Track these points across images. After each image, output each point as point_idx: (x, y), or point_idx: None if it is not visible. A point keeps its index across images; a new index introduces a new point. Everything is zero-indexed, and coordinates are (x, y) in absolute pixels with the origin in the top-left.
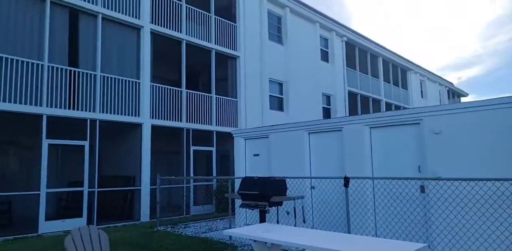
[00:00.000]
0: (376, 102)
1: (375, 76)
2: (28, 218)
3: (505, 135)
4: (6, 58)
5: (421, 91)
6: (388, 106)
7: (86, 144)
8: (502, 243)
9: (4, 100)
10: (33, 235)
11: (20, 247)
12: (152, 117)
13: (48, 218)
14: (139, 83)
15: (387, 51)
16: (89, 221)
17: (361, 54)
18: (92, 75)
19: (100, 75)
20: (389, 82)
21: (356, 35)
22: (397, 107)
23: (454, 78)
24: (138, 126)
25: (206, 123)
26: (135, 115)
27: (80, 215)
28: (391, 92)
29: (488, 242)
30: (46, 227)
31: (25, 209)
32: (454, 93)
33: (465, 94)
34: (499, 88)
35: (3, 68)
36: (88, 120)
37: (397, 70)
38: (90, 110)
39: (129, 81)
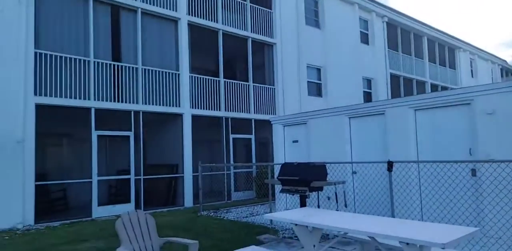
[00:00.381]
0: (421, 84)
1: (419, 57)
2: (82, 204)
3: None
4: (56, 56)
5: (471, 70)
6: (434, 88)
7: (131, 134)
8: None
9: (56, 96)
10: (87, 219)
11: (77, 229)
12: (192, 107)
13: (100, 203)
14: (178, 74)
15: (433, 30)
16: (137, 207)
17: (403, 35)
18: (134, 69)
19: (142, 68)
20: (435, 63)
21: (397, 15)
22: (444, 89)
23: (508, 55)
24: (179, 116)
25: (245, 112)
26: (176, 106)
27: (129, 201)
28: (437, 73)
29: None
30: (99, 212)
31: (78, 196)
32: (508, 71)
33: None
34: None
35: (54, 65)
36: (132, 112)
37: (444, 50)
38: (133, 102)
39: (169, 73)
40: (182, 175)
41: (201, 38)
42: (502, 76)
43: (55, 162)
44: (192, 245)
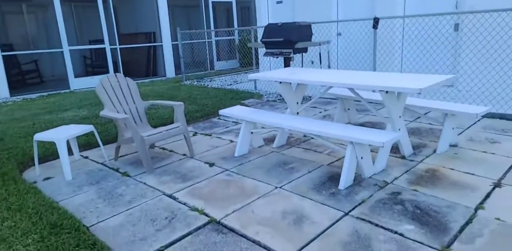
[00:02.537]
0: None
1: None
2: (58, 76)
3: None
4: None
5: None
6: None
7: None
8: None
9: None
10: (65, 91)
11: (56, 100)
12: None
13: (77, 75)
14: None
15: None
16: None
17: None
18: None
19: None
20: None
21: None
22: None
23: None
24: None
25: None
26: None
27: (107, 72)
28: None
29: None
30: (77, 84)
31: (53, 67)
32: None
33: None
34: None
35: None
36: None
37: None
38: None
39: None
40: (160, 43)
41: None
42: None
43: (19, 31)
44: (177, 106)
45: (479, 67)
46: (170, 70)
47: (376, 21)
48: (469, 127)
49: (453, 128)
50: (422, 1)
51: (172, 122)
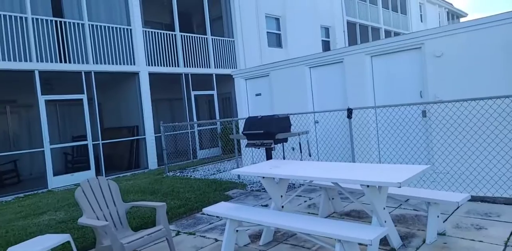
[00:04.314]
0: (375, 30)
1: (373, 3)
2: (36, 175)
3: (505, 51)
4: None
5: (421, 15)
6: (388, 34)
7: (84, 97)
8: (502, 159)
9: None
10: (43, 191)
11: (33, 202)
12: (148, 65)
13: (56, 173)
14: (130, 29)
15: None
16: (98, 173)
17: None
18: (80, 25)
19: (89, 24)
20: (388, 9)
21: None
22: (397, 34)
23: None
24: (135, 75)
25: (205, 67)
26: (131, 64)
27: (88, 168)
28: (390, 19)
29: (488, 159)
30: (56, 182)
31: (32, 167)
32: (454, 15)
33: (465, 15)
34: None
35: None
36: (83, 73)
37: None
38: (83, 62)
39: (120, 28)
40: (143, 136)
41: None
42: (448, 19)
43: (1, 131)
44: (159, 208)
45: (452, 152)
46: (152, 162)
47: (349, 111)
48: (453, 212)
49: (438, 216)
50: (390, 91)
51: (154, 222)
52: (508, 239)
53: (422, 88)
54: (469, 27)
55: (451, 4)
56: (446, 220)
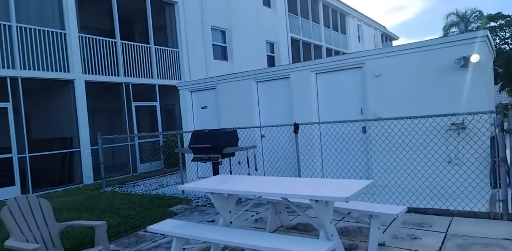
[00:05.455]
0: (318, 48)
1: (315, 22)
2: None
3: (433, 74)
4: None
5: (358, 35)
6: (329, 52)
7: (9, 105)
8: (433, 173)
9: None
10: None
11: None
12: (85, 73)
13: None
14: (65, 34)
15: None
16: (24, 189)
17: None
18: (7, 26)
19: (16, 26)
20: (329, 28)
21: None
22: (337, 53)
23: (387, 22)
24: (70, 83)
25: (147, 77)
26: (65, 71)
27: (13, 183)
28: (331, 38)
29: (421, 173)
30: None
31: None
32: (387, 37)
33: (396, 38)
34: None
35: None
36: (8, 79)
37: (337, 15)
38: (8, 67)
39: (52, 32)
40: (78, 149)
41: None
42: (382, 41)
43: None
44: (99, 227)
45: (390, 166)
46: (88, 176)
47: (296, 126)
48: (391, 223)
49: (378, 228)
50: (333, 107)
51: (91, 242)
52: (440, 248)
53: (363, 105)
54: (404, 50)
55: (385, 27)
56: (385, 230)
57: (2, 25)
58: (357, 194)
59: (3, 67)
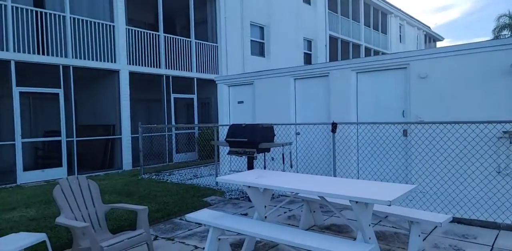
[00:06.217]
0: (356, 47)
1: (355, 20)
2: (4, 169)
3: (484, 78)
4: None
5: (400, 35)
6: (368, 52)
7: (61, 91)
8: (481, 182)
9: None
10: (11, 186)
11: (1, 197)
12: (130, 64)
13: (26, 168)
14: (113, 26)
15: None
16: (70, 171)
17: None
18: (61, 17)
19: (70, 17)
20: (369, 27)
21: None
22: (376, 53)
23: (432, 22)
24: (115, 73)
25: (186, 70)
26: (111, 61)
27: (60, 165)
28: (371, 37)
29: (467, 182)
30: (25, 177)
31: (0, 161)
32: (431, 38)
33: (441, 39)
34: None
35: None
36: (61, 67)
37: (378, 14)
38: (61, 56)
39: (102, 24)
40: (119, 136)
41: None
42: (425, 42)
43: None
44: (141, 211)
45: (432, 173)
46: (127, 162)
47: (334, 125)
48: (431, 231)
49: (419, 235)
50: (373, 108)
51: (131, 225)
52: None
53: (405, 107)
54: (453, 52)
55: (429, 27)
56: (425, 239)
57: (57, 16)
58: (400, 198)
59: (57, 55)
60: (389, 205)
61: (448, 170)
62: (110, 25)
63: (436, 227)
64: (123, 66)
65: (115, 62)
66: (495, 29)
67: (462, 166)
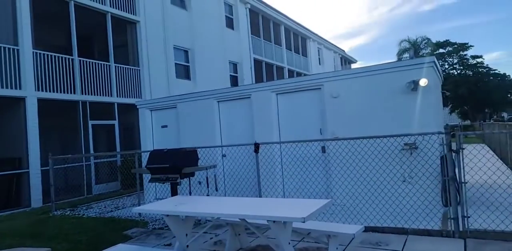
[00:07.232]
0: (280, 69)
1: (278, 44)
2: None
3: (387, 97)
4: None
5: (319, 58)
6: (291, 73)
7: None
8: (388, 192)
9: None
10: None
11: None
12: (38, 90)
13: None
14: (18, 50)
15: (289, 20)
16: None
17: (264, 22)
18: None
19: None
20: (290, 50)
21: (259, 3)
22: (299, 74)
23: (346, 46)
24: (21, 100)
25: (106, 95)
26: (16, 88)
27: None
28: (293, 60)
29: (377, 192)
30: None
31: None
32: (346, 60)
33: (355, 61)
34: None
35: None
36: None
37: (298, 38)
38: None
39: (4, 48)
40: (27, 170)
41: (47, 8)
42: (341, 64)
43: None
44: None
45: (348, 186)
46: (36, 199)
47: (256, 146)
48: (349, 242)
49: (337, 247)
50: (293, 127)
51: None
52: None
53: (322, 125)
54: (359, 74)
55: (344, 50)
56: (344, 250)
57: None
58: (315, 214)
59: None
60: (303, 222)
61: (360, 182)
62: (14, 49)
63: (353, 238)
64: (30, 93)
65: (20, 88)
66: (398, 52)
67: (372, 178)
